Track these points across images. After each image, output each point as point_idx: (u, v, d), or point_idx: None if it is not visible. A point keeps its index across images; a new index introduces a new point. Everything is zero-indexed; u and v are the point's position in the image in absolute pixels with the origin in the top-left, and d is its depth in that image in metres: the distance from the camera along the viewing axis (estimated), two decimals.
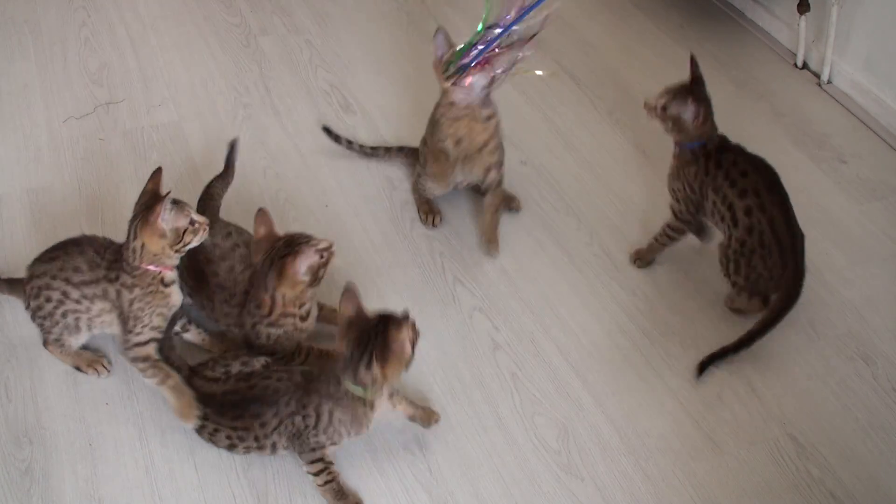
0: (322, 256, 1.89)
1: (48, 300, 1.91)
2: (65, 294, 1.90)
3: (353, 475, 1.88)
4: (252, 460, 1.90)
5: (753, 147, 2.72)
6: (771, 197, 2.04)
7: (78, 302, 1.90)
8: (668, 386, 2.07)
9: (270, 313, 1.91)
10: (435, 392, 2.04)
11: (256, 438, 1.80)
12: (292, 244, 1.88)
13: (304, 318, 1.95)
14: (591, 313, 2.21)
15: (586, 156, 2.66)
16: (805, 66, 2.99)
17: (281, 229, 2.08)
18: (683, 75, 2.97)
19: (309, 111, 2.79)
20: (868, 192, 2.56)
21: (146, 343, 1.89)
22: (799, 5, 2.84)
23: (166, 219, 1.81)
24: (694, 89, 2.08)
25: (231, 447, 1.84)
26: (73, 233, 2.33)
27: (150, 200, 1.84)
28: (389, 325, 1.68)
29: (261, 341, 1.94)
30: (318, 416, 1.76)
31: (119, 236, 2.34)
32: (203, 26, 3.12)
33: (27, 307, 1.97)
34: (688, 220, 2.19)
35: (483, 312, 2.22)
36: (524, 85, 2.92)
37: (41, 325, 1.96)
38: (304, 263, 1.85)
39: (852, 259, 2.36)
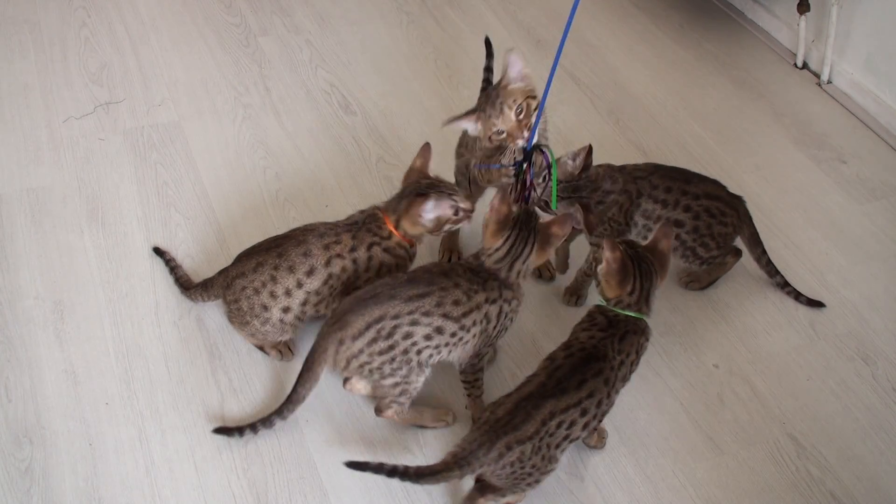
0: (456, 213, 1.93)
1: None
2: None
3: (353, 474, 1.87)
4: (252, 460, 1.90)
5: (753, 146, 2.73)
6: (690, 185, 2.11)
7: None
8: (668, 386, 2.07)
9: (389, 237, 1.95)
10: (435, 393, 2.04)
11: None
12: (433, 188, 1.92)
13: (411, 259, 2.01)
14: None
15: None
16: (805, 66, 2.99)
17: (280, 229, 2.09)
18: (684, 75, 2.98)
19: (309, 111, 2.78)
20: (868, 192, 2.56)
21: None
22: (799, 5, 2.84)
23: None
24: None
25: None
26: (73, 233, 2.34)
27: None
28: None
29: (372, 263, 1.97)
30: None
31: (120, 235, 2.35)
32: (203, 26, 3.11)
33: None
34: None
35: None
36: None
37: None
38: (434, 210, 1.89)
39: (852, 259, 2.36)
